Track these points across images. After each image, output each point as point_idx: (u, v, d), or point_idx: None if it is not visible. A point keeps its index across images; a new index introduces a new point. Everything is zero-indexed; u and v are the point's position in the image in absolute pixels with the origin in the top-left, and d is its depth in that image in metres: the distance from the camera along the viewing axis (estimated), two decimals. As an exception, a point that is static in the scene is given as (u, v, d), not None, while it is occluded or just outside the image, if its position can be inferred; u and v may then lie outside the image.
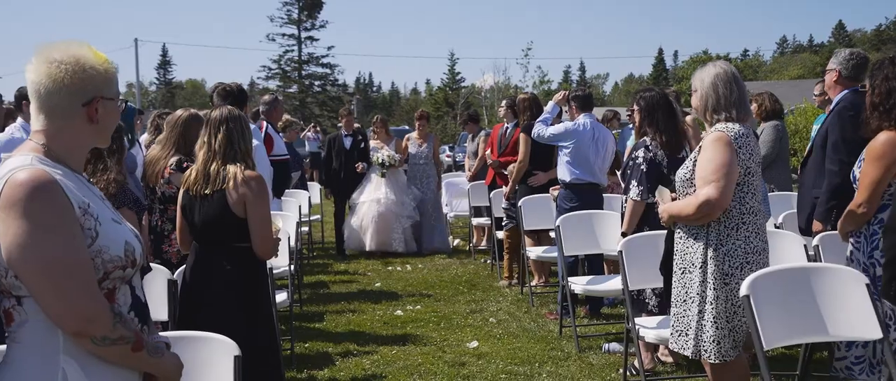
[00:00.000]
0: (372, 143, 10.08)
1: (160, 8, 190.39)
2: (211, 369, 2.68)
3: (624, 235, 4.82)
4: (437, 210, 10.37)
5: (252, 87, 60.43)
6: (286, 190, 8.20)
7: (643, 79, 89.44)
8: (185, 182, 3.72)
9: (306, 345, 5.91)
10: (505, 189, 7.79)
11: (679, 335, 3.67)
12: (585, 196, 6.50)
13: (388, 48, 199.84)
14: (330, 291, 8.05)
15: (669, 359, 5.15)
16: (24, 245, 1.80)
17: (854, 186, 3.79)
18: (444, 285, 8.07)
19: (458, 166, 18.21)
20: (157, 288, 3.70)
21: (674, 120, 5.00)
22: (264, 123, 7.35)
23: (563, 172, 6.63)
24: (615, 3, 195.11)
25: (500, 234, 8.23)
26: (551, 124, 6.81)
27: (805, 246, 4.53)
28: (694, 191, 3.55)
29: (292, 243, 6.14)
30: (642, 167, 4.84)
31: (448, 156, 25.73)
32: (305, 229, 9.50)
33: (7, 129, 5.51)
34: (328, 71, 59.88)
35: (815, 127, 6.91)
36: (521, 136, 7.38)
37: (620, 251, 4.59)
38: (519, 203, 7.19)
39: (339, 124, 10.67)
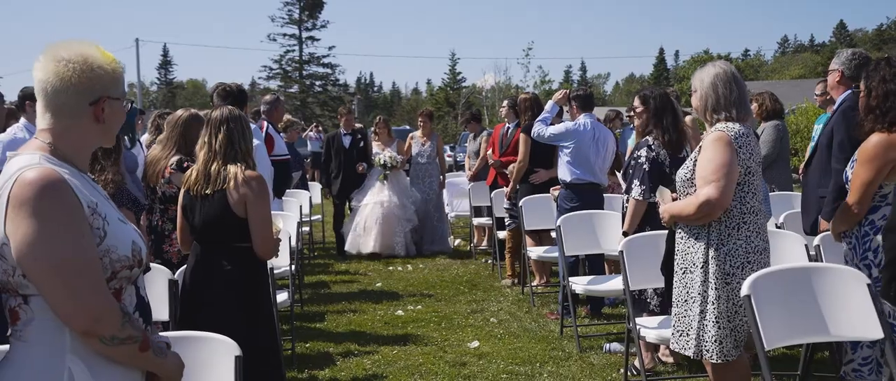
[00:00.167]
0: (373, 145, 10.01)
1: (161, 8, 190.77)
2: (212, 369, 2.68)
3: (625, 234, 4.82)
4: (439, 210, 10.32)
5: (253, 87, 60.47)
6: (287, 190, 8.21)
7: (644, 79, 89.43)
8: (185, 182, 3.72)
9: (307, 345, 5.91)
10: (506, 189, 7.79)
11: (680, 335, 3.67)
12: (586, 196, 6.50)
13: (389, 48, 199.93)
14: (331, 291, 8.05)
15: (670, 359, 5.15)
16: (34, 244, 1.80)
17: (846, 186, 3.79)
18: (445, 285, 8.07)
19: (458, 166, 18.21)
20: (157, 288, 3.70)
21: (676, 120, 5.01)
22: (265, 123, 7.35)
23: (564, 172, 6.62)
24: (616, 2, 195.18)
25: (502, 234, 8.22)
26: (551, 124, 6.80)
27: (806, 246, 4.53)
28: (694, 191, 3.55)
29: (293, 242, 6.14)
30: (644, 167, 4.83)
31: (449, 156, 25.73)
32: (306, 228, 9.50)
33: (9, 129, 5.52)
34: (329, 71, 59.91)
35: (817, 127, 6.91)
36: (521, 136, 7.38)
37: (621, 251, 4.59)
38: (520, 203, 7.19)
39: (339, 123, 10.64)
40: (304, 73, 59.33)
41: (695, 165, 3.57)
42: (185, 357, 2.21)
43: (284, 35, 58.98)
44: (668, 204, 3.76)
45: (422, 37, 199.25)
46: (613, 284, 5.63)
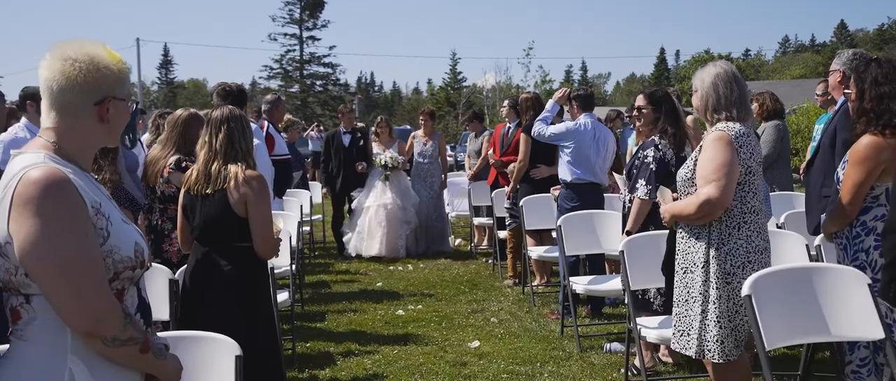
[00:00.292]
0: (373, 146, 9.92)
1: (162, 8, 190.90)
2: (212, 369, 2.68)
3: (628, 234, 4.80)
4: (440, 210, 10.25)
5: (254, 86, 60.47)
6: (288, 190, 8.21)
7: (645, 78, 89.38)
8: (186, 182, 3.72)
9: (308, 345, 5.91)
10: (507, 189, 7.79)
11: (681, 335, 3.67)
12: (586, 196, 6.50)
13: (390, 48, 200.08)
14: (331, 290, 8.05)
15: (670, 359, 5.14)
16: (37, 243, 1.79)
17: (837, 187, 3.79)
18: (446, 284, 8.07)
19: (458, 166, 18.21)
20: (158, 287, 3.70)
21: (678, 120, 5.00)
22: (266, 123, 7.34)
23: (564, 172, 6.62)
24: (617, 2, 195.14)
25: (503, 234, 8.22)
26: (552, 123, 6.80)
27: (807, 246, 4.53)
28: (695, 190, 3.55)
29: (294, 242, 6.14)
30: (651, 166, 4.78)
31: (449, 155, 25.71)
32: (307, 228, 9.49)
33: (10, 128, 5.52)
34: (330, 71, 59.91)
35: (818, 127, 6.90)
36: (522, 136, 7.38)
37: (622, 251, 4.59)
38: (520, 203, 7.18)
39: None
40: (305, 72, 59.33)
41: (695, 164, 3.57)
42: (186, 357, 2.21)
43: (285, 35, 59.03)
44: (668, 204, 3.76)
45: (422, 36, 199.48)
46: (614, 284, 5.62)
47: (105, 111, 2.00)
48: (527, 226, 7.12)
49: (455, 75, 57.97)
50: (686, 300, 3.63)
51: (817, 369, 4.66)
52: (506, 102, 8.53)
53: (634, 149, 7.18)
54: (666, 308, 4.78)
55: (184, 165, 4.51)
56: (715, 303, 3.50)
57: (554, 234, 6.59)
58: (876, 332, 3.33)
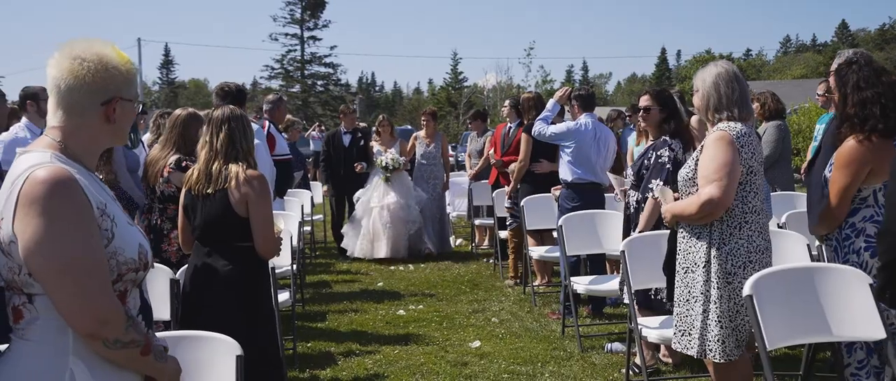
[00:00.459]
0: (374, 145, 9.82)
1: (163, 8, 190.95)
2: (213, 368, 2.68)
3: (641, 233, 4.76)
4: (442, 211, 10.16)
5: (255, 86, 60.47)
6: (289, 190, 8.20)
7: (646, 78, 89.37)
8: (187, 182, 3.72)
9: (309, 344, 5.91)
10: (508, 189, 7.78)
11: (682, 335, 3.67)
12: (587, 196, 6.49)
13: (391, 48, 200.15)
14: (332, 290, 8.05)
15: (670, 360, 5.14)
16: (42, 242, 1.79)
17: (824, 190, 3.78)
18: (447, 284, 8.07)
19: (459, 165, 18.21)
20: (158, 287, 3.70)
21: (682, 120, 5.01)
22: (267, 123, 7.34)
23: (565, 172, 6.62)
24: (618, 2, 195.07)
25: (504, 233, 8.22)
26: (552, 123, 6.79)
27: (808, 246, 4.52)
28: (696, 190, 3.54)
29: (295, 242, 6.14)
30: (668, 166, 4.71)
31: (451, 155, 25.71)
32: (308, 228, 9.48)
33: (11, 128, 5.53)
34: (331, 70, 59.95)
35: (819, 127, 6.89)
36: (523, 136, 7.37)
37: (623, 251, 4.58)
38: (521, 203, 7.18)
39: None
40: (306, 72, 59.36)
41: (696, 164, 3.57)
42: (186, 357, 2.21)
43: (286, 35, 59.08)
44: (669, 204, 3.75)
45: (423, 37, 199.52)
46: (615, 284, 5.62)
47: (112, 111, 2.00)
48: (528, 226, 7.12)
49: (456, 75, 57.96)
50: (687, 300, 3.63)
51: (819, 369, 4.66)
52: (507, 102, 8.52)
53: (635, 149, 7.19)
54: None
55: (184, 164, 4.51)
56: (716, 303, 3.50)
57: (555, 234, 6.59)
58: (877, 332, 3.32)
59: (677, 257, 3.72)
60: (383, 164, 9.51)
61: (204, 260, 3.65)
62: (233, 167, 3.57)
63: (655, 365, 5.03)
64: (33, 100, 5.53)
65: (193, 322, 3.50)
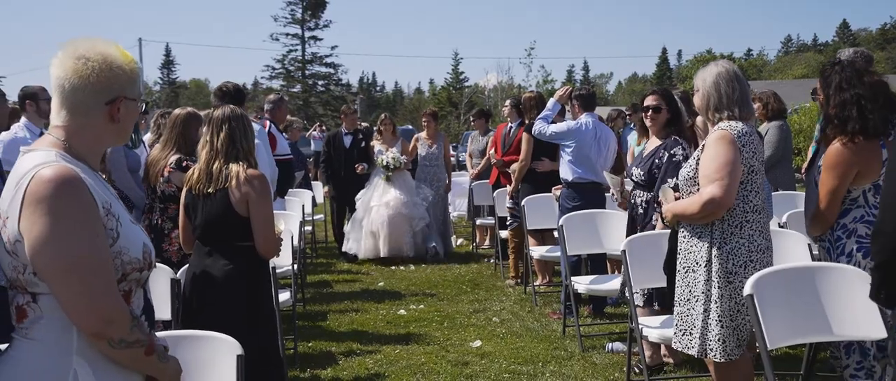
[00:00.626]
0: (376, 145, 9.68)
1: (164, 8, 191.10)
2: (213, 368, 2.67)
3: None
4: (445, 212, 10.06)
5: (256, 86, 60.46)
6: (290, 189, 8.20)
7: (647, 78, 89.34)
8: (187, 181, 3.72)
9: (309, 344, 5.91)
10: (509, 188, 7.78)
11: (683, 334, 3.67)
12: (588, 195, 6.49)
13: (392, 48, 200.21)
14: (333, 290, 8.05)
15: (671, 359, 5.13)
16: (49, 242, 1.79)
17: (812, 190, 3.79)
18: (448, 284, 8.07)
19: (459, 165, 18.23)
20: (160, 287, 3.70)
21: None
22: (268, 122, 7.34)
23: (566, 172, 6.61)
24: (619, 2, 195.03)
25: (505, 233, 8.21)
26: (553, 122, 6.79)
27: (809, 246, 4.51)
28: (698, 190, 3.54)
29: (295, 242, 6.15)
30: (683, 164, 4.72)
31: (451, 155, 25.71)
32: (309, 228, 9.47)
33: (11, 128, 5.53)
34: (332, 70, 59.91)
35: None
36: (524, 135, 7.36)
37: (624, 251, 4.58)
38: (522, 203, 7.18)
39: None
40: (307, 72, 59.34)
41: (697, 163, 3.57)
42: (187, 356, 2.21)
43: (287, 35, 59.05)
44: (671, 203, 3.75)
45: (424, 36, 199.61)
46: (615, 283, 5.62)
47: (116, 111, 2.00)
48: (528, 226, 7.11)
49: (457, 75, 57.97)
50: (688, 300, 3.63)
51: (819, 368, 4.65)
52: (508, 102, 8.52)
53: (636, 148, 7.18)
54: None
55: (184, 164, 4.52)
56: (717, 302, 3.50)
57: (555, 233, 6.59)
58: (878, 331, 3.32)
59: (678, 256, 3.71)
60: (384, 163, 9.39)
61: (205, 260, 3.65)
62: (233, 167, 3.57)
63: (661, 361, 5.00)
64: (32, 100, 5.53)
65: (194, 322, 3.50)
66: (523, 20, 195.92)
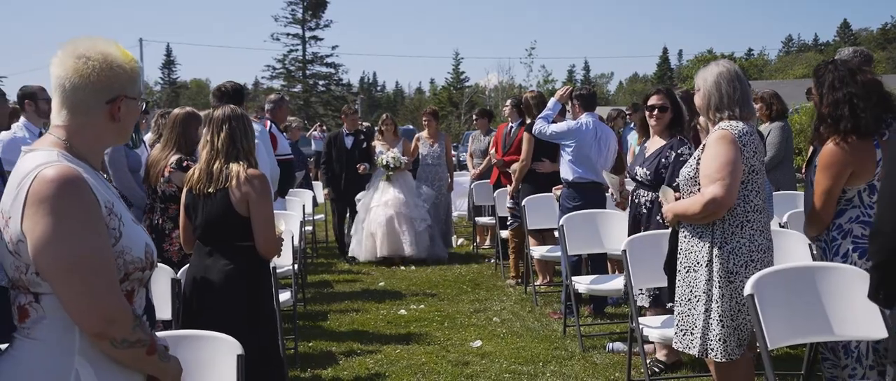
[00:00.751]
0: (377, 145, 9.57)
1: (164, 8, 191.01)
2: (213, 368, 2.67)
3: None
4: (447, 212, 9.98)
5: (256, 86, 60.42)
6: (290, 189, 8.20)
7: (648, 78, 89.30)
8: (188, 181, 3.72)
9: (310, 344, 5.91)
10: (509, 188, 7.78)
11: (684, 334, 3.67)
12: (588, 195, 6.49)
13: (392, 48, 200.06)
14: (334, 290, 8.05)
15: (669, 360, 5.12)
16: (51, 242, 1.79)
17: (810, 189, 3.79)
18: (448, 284, 8.07)
19: (460, 165, 18.22)
20: (160, 287, 3.70)
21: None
22: (268, 122, 7.34)
23: (566, 171, 6.61)
24: (619, 2, 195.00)
25: (505, 233, 8.21)
26: (553, 122, 6.78)
27: (810, 245, 4.51)
28: (698, 190, 3.54)
29: (296, 242, 6.15)
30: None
31: (452, 155, 25.67)
32: (309, 228, 9.46)
33: (11, 128, 5.53)
34: (332, 70, 59.91)
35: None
36: (525, 135, 7.36)
37: (624, 251, 4.58)
38: (522, 203, 7.18)
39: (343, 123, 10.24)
40: (308, 72, 59.34)
41: (698, 163, 3.56)
42: (188, 356, 2.21)
43: (288, 35, 59.06)
44: (672, 203, 3.75)
45: (424, 36, 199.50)
46: (616, 283, 5.62)
47: (117, 110, 2.00)
48: (529, 226, 7.11)
49: (458, 75, 58.00)
50: (689, 300, 3.63)
51: (820, 368, 4.65)
52: (509, 102, 8.51)
53: (636, 148, 7.18)
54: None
55: (185, 164, 4.52)
56: (718, 302, 3.49)
57: (556, 233, 6.58)
58: (879, 332, 3.32)
59: (678, 256, 3.71)
60: (384, 162, 9.30)
61: (205, 260, 3.65)
62: (234, 167, 3.57)
63: (678, 358, 4.98)
64: (31, 99, 5.53)
65: (194, 322, 3.50)
66: (524, 20, 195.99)
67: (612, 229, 5.87)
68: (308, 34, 59.22)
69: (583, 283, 5.75)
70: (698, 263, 3.57)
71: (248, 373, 2.69)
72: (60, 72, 1.94)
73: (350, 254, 9.62)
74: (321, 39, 59.91)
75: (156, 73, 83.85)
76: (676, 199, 3.75)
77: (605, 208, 6.44)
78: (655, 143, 5.05)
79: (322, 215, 11.20)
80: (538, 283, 7.47)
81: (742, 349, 3.54)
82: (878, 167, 3.51)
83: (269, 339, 3.70)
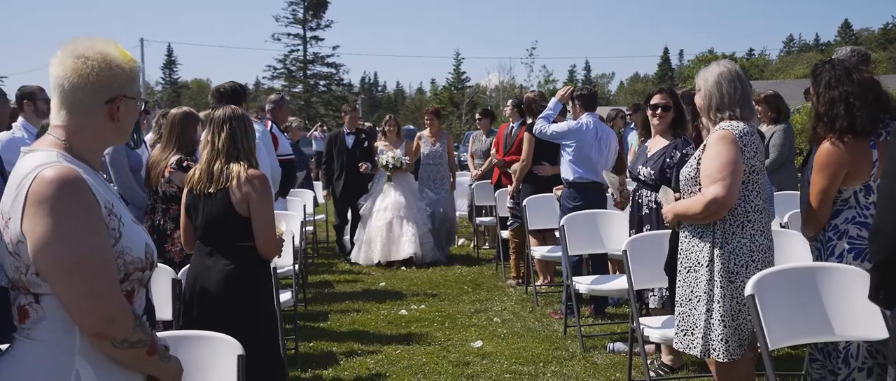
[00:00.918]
0: (379, 145, 9.52)
1: (165, 8, 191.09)
2: (214, 368, 2.67)
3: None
4: (451, 212, 9.91)
5: (257, 86, 60.39)
6: (291, 189, 8.19)
7: (649, 78, 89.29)
8: (188, 181, 3.72)
9: (311, 344, 5.91)
10: (510, 188, 7.78)
11: (685, 335, 3.66)
12: (589, 195, 6.49)
13: (393, 48, 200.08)
14: (334, 290, 8.05)
15: (671, 360, 5.12)
16: (51, 242, 1.79)
17: (806, 189, 3.78)
18: (449, 284, 8.07)
19: (461, 165, 18.23)
20: (161, 287, 3.70)
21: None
22: (269, 122, 7.33)
23: (567, 171, 6.61)
24: (620, 2, 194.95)
25: (506, 233, 8.21)
26: (554, 122, 6.78)
27: (810, 246, 4.50)
28: (699, 190, 3.54)
29: (297, 242, 6.15)
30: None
31: (454, 154, 25.62)
32: (310, 228, 9.45)
33: (11, 127, 5.53)
34: (333, 70, 59.87)
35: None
36: (525, 135, 7.36)
37: (625, 251, 4.58)
38: (523, 203, 7.18)
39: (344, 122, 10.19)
40: (309, 72, 59.31)
41: (699, 163, 3.56)
42: (188, 356, 2.21)
43: (288, 35, 59.01)
44: (672, 204, 3.75)
45: (425, 36, 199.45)
46: (617, 283, 5.62)
47: (116, 110, 1.99)
48: (530, 226, 7.11)
49: (459, 75, 57.96)
50: (690, 300, 3.63)
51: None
52: (509, 102, 8.51)
53: (637, 148, 7.17)
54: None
55: (185, 164, 4.53)
56: (719, 302, 3.49)
57: (557, 233, 6.58)
58: (879, 332, 3.31)
59: (679, 256, 3.71)
60: (385, 163, 9.26)
61: (206, 260, 3.66)
62: (234, 167, 3.58)
63: (670, 362, 4.99)
64: (30, 99, 5.53)
65: (195, 322, 3.50)
66: (525, 20, 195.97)
67: (612, 230, 5.87)
68: (309, 34, 59.21)
69: (583, 283, 5.75)
70: (699, 263, 3.57)
71: (248, 373, 2.69)
72: (59, 72, 1.94)
73: (352, 259, 9.57)
74: (322, 39, 59.88)
75: (157, 73, 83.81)
76: (676, 199, 3.75)
77: (605, 208, 6.44)
78: (658, 142, 5.05)
79: (323, 216, 11.20)
80: (539, 283, 7.47)
81: (743, 349, 3.54)
82: (874, 168, 3.50)
83: (269, 339, 3.70)
